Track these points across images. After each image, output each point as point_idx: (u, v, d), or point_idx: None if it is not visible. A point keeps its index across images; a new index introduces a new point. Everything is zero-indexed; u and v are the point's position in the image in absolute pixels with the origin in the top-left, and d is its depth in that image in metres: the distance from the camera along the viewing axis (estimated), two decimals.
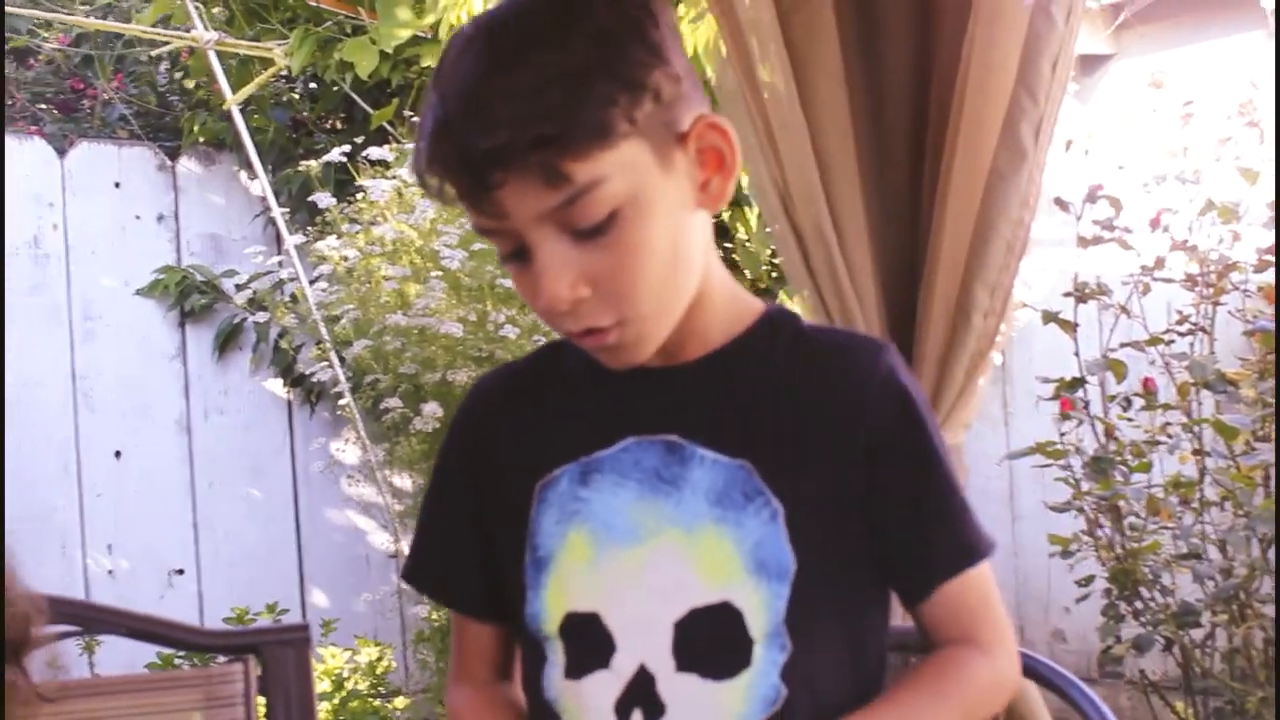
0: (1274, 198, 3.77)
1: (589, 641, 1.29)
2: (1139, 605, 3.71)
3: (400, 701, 4.20)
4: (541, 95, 1.15)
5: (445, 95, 1.19)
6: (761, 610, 1.26)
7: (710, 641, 1.26)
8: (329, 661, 4.16)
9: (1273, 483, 3.45)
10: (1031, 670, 1.75)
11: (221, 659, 1.75)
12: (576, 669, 1.30)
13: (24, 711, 1.32)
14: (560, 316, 1.22)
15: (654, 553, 1.27)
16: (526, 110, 1.14)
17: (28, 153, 4.68)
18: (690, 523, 1.27)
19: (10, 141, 4.70)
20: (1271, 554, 3.44)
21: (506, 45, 1.18)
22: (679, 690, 1.26)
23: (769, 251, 4.59)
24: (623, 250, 1.20)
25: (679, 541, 1.27)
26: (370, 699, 4.12)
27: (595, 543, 1.29)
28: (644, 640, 1.27)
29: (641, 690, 1.27)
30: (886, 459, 1.29)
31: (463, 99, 1.17)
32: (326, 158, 4.25)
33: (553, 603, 1.30)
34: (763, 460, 1.27)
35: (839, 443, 1.29)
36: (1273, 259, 3.74)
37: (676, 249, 1.24)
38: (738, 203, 4.58)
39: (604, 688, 1.28)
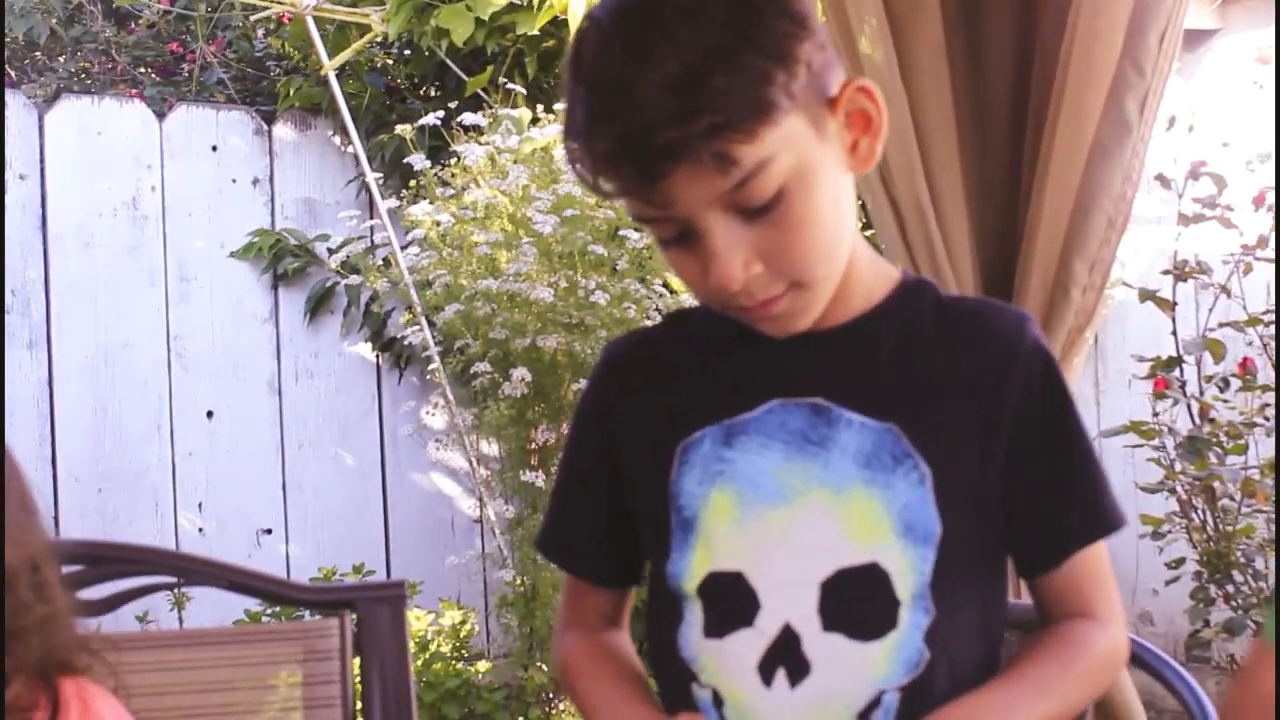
0: (1274, 199, 3.70)
1: (732, 600, 1.29)
2: (1230, 589, 3.66)
3: (483, 665, 4.23)
4: (703, 82, 1.14)
5: (596, 87, 1.18)
6: (908, 573, 1.27)
7: (857, 602, 1.27)
8: (413, 624, 4.20)
9: None
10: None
11: (309, 616, 1.78)
12: (718, 627, 1.30)
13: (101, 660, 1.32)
14: (732, 295, 1.23)
15: (802, 512, 1.28)
16: (691, 100, 1.14)
17: (128, 115, 4.75)
18: (839, 483, 1.28)
19: (111, 104, 4.76)
20: None
21: (649, 30, 1.16)
22: (825, 650, 1.27)
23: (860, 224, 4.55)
24: (792, 223, 1.21)
25: (827, 502, 1.28)
26: (454, 662, 4.16)
27: (741, 502, 1.29)
28: (789, 599, 1.27)
29: (786, 649, 1.27)
30: (1031, 425, 1.30)
31: (617, 91, 1.16)
32: (421, 121, 4.26)
33: (697, 562, 1.31)
34: (911, 424, 1.28)
35: (985, 408, 1.30)
36: None
37: (838, 212, 1.26)
38: None
39: (747, 646, 1.28)
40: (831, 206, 1.24)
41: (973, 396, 1.30)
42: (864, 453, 1.28)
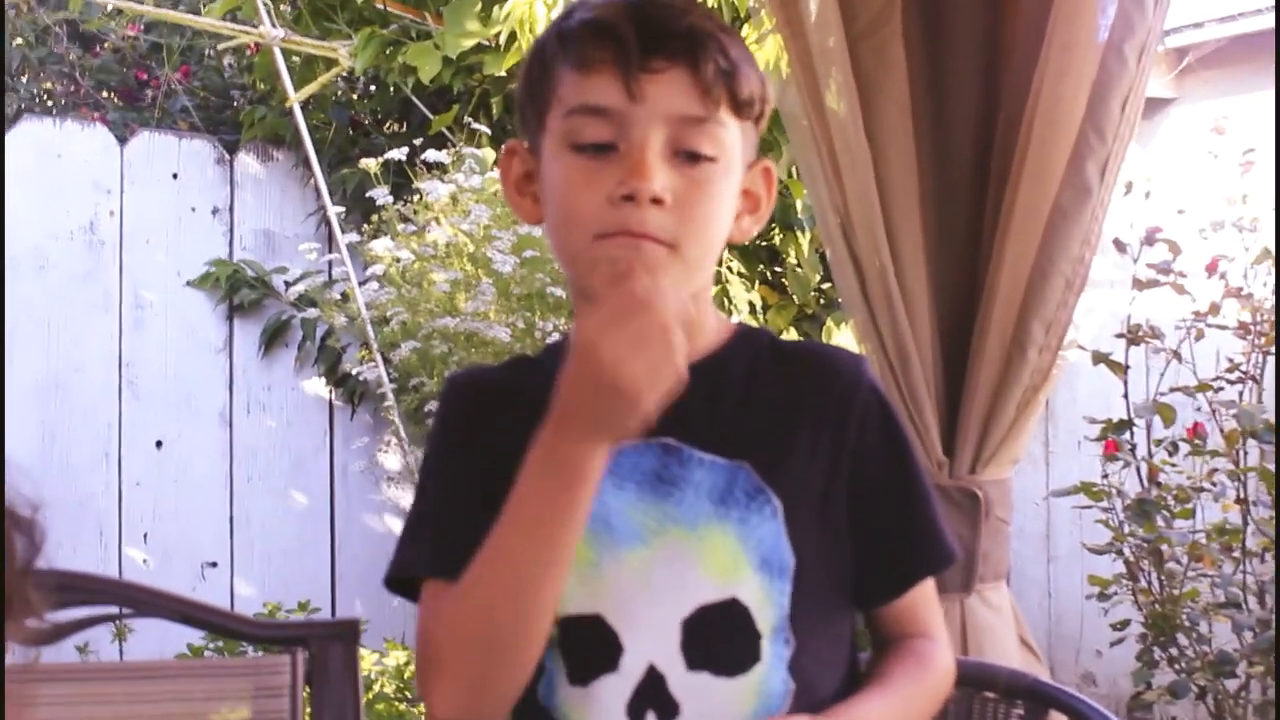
0: (1274, 208, 3.75)
1: (593, 645, 1.29)
2: (1174, 652, 3.68)
3: (425, 707, 4.20)
4: (736, 37, 1.30)
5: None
6: (767, 606, 1.29)
7: (720, 639, 1.29)
8: None
9: None
10: (1070, 708, 1.73)
11: (254, 652, 1.76)
12: (582, 674, 1.29)
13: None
14: (630, 206, 1.25)
15: (660, 551, 1.29)
16: (725, 32, 1.29)
17: (89, 139, 4.72)
18: (695, 521, 1.29)
19: (72, 127, 4.75)
20: None
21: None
22: (692, 688, 1.28)
23: (818, 277, 4.58)
24: (703, 188, 1.28)
25: (684, 540, 1.29)
26: (396, 702, 4.13)
27: (596, 544, 1.29)
28: (652, 640, 1.28)
29: (653, 691, 1.28)
30: (871, 464, 1.35)
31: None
32: (387, 155, 4.26)
33: None
34: (759, 461, 1.31)
35: (830, 443, 1.34)
36: None
37: (722, 232, 1.32)
38: (789, 227, 4.57)
39: (614, 690, 1.28)
40: (725, 216, 1.32)
41: (816, 434, 1.34)
42: (717, 490, 1.30)
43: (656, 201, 1.25)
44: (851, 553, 1.35)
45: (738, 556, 1.29)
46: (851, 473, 1.34)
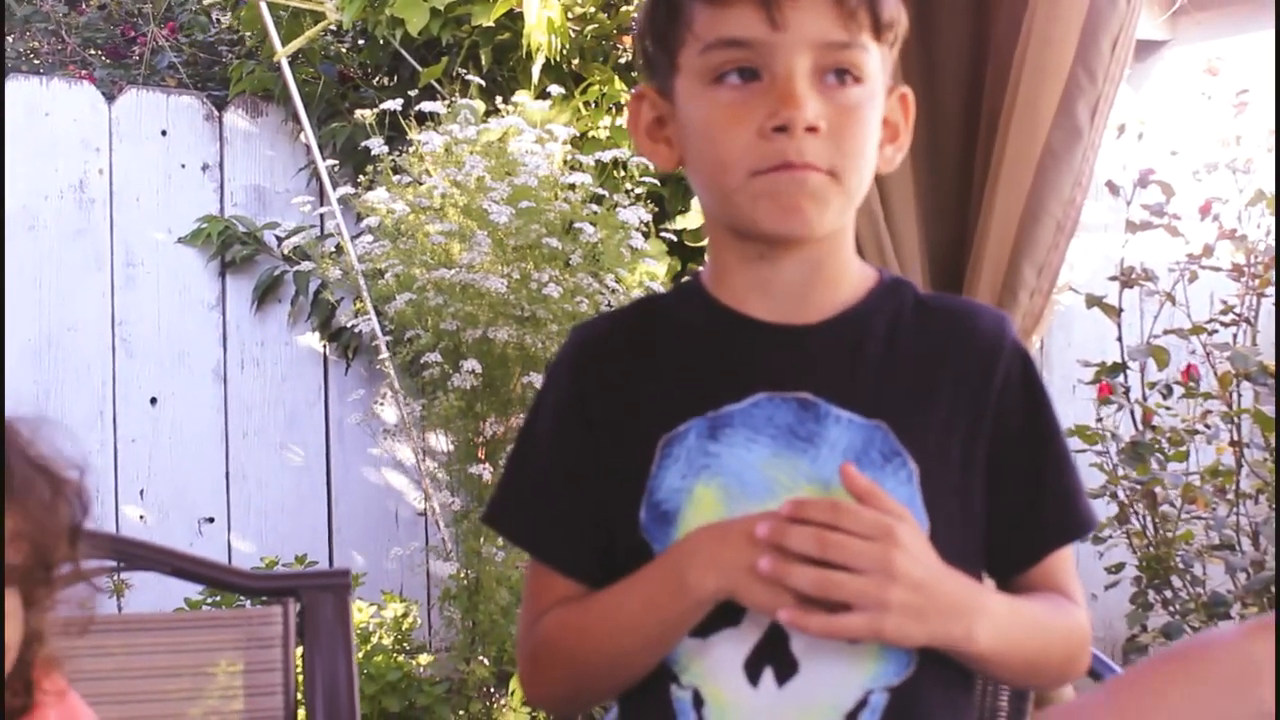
0: (1274, 197, 3.74)
1: None
2: (1168, 594, 3.70)
3: (424, 658, 4.21)
4: None
5: None
6: None
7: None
8: (355, 616, 4.17)
9: None
10: None
11: (250, 604, 1.76)
12: (701, 626, 1.26)
13: (56, 646, 1.29)
14: (784, 137, 1.23)
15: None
16: None
17: (77, 97, 4.69)
18: (829, 479, 1.25)
19: (59, 85, 4.71)
20: None
21: None
22: (813, 649, 1.25)
23: None
24: (854, 114, 1.25)
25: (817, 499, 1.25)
26: (395, 654, 4.14)
27: (727, 498, 1.27)
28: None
29: (774, 648, 1.26)
30: (1011, 425, 1.32)
31: None
32: (382, 106, 4.23)
33: None
34: (898, 421, 1.28)
35: (968, 406, 1.30)
36: None
37: (872, 163, 1.29)
38: None
39: (733, 645, 1.26)
40: (874, 146, 1.29)
41: (956, 395, 1.30)
42: (854, 449, 1.26)
43: (811, 130, 1.22)
44: (987, 518, 1.32)
45: None
46: (990, 436, 1.31)
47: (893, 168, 1.35)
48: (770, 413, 1.28)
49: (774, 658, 1.25)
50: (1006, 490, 1.31)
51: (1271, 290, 3.86)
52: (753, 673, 1.26)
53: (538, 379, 3.79)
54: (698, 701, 1.27)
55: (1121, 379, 3.85)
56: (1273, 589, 3.46)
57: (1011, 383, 1.32)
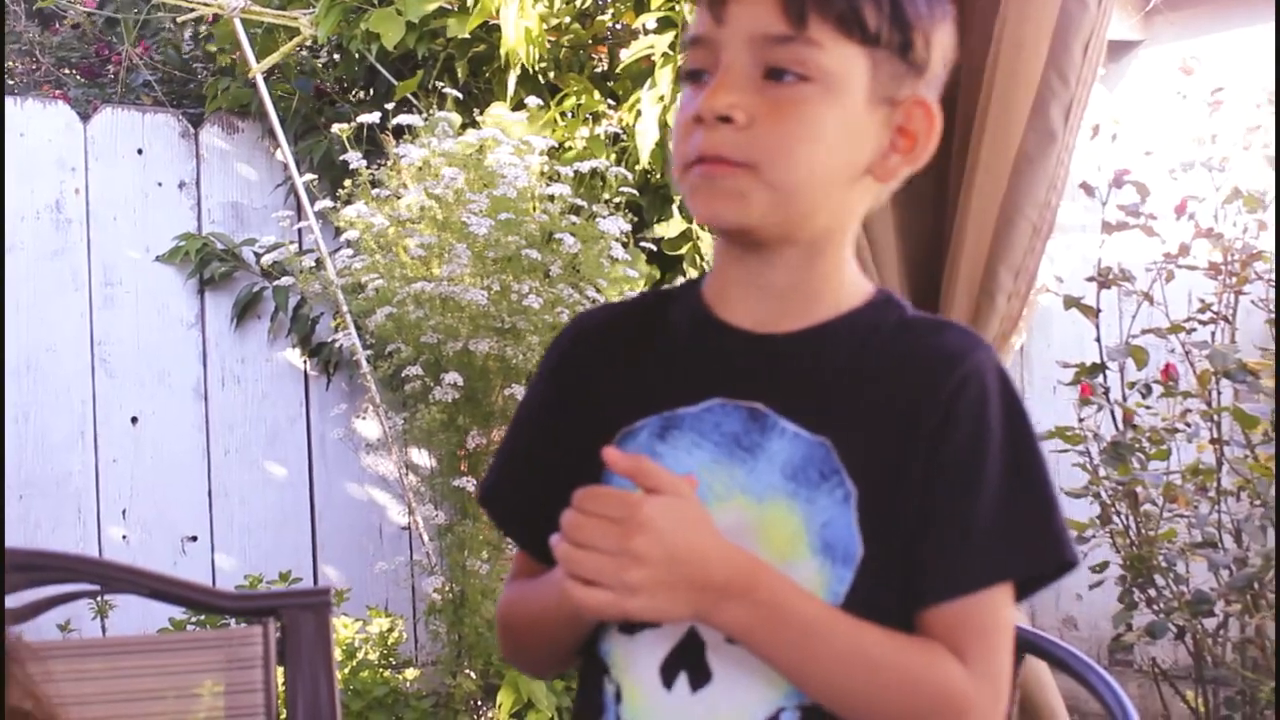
0: (1274, 197, 3.76)
1: None
2: (1152, 593, 3.71)
3: (411, 673, 4.20)
4: None
5: None
6: (821, 591, 1.22)
7: None
8: (340, 632, 4.17)
9: None
10: (1046, 653, 1.75)
11: (234, 623, 1.75)
12: (630, 624, 1.27)
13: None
14: (695, 131, 1.23)
15: (721, 517, 1.21)
16: None
17: (52, 117, 4.68)
18: (761, 492, 1.25)
19: (34, 105, 4.70)
20: None
21: None
22: (728, 660, 1.24)
23: None
24: (788, 108, 1.22)
25: (748, 510, 1.25)
26: (381, 669, 4.13)
27: None
28: None
29: (690, 654, 1.26)
30: (951, 454, 1.23)
31: None
32: (359, 119, 4.22)
33: None
34: (841, 441, 1.24)
35: (910, 435, 1.24)
36: None
37: (829, 172, 1.24)
38: None
39: (651, 647, 1.27)
40: (828, 148, 1.23)
41: (903, 421, 1.25)
42: (791, 464, 1.25)
43: (726, 120, 1.21)
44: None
45: (797, 536, 1.23)
46: (924, 461, 1.23)
47: (894, 178, 1.29)
48: (720, 419, 1.28)
49: (689, 664, 1.25)
50: (923, 520, 1.23)
51: (1249, 288, 3.87)
52: (668, 676, 1.26)
53: (519, 391, 3.79)
54: (618, 696, 1.29)
55: (1101, 379, 3.86)
56: (1255, 585, 3.48)
57: (956, 409, 1.23)
